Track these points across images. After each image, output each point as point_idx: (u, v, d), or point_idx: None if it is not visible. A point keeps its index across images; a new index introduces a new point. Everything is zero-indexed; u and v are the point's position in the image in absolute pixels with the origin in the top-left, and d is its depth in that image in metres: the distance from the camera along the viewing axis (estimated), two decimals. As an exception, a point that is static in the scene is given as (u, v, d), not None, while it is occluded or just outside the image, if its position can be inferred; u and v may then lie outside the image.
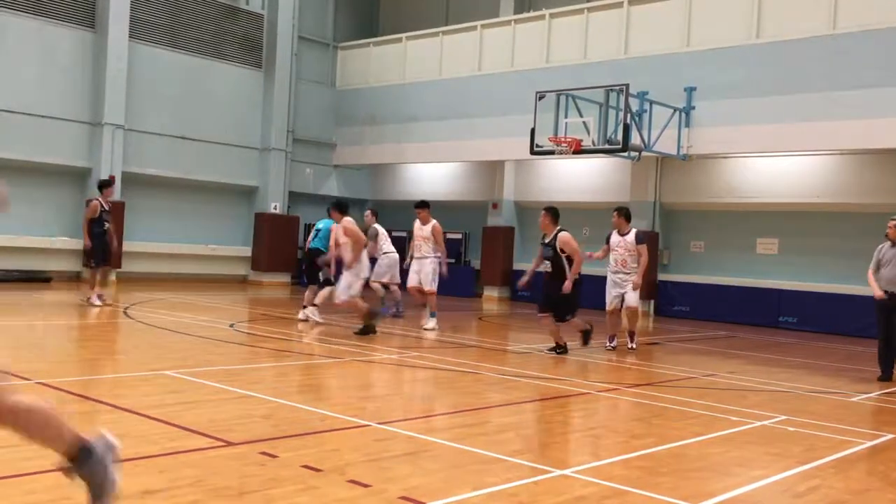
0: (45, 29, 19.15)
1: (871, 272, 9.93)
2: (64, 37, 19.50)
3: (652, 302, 19.04)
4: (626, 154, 16.44)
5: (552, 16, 19.60)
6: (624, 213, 11.95)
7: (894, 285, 9.66)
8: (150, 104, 20.76)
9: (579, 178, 20.90)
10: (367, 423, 5.95)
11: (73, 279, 19.36)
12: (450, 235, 23.51)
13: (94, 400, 6.32)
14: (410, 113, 22.01)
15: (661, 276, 19.26)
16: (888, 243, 9.82)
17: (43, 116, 19.08)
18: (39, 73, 19.07)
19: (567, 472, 4.95)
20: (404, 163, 23.81)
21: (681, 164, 18.07)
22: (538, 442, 6.07)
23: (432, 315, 12.95)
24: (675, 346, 13.52)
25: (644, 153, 16.72)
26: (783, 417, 7.10)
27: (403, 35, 22.85)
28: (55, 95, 19.33)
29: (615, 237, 11.87)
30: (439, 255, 13.25)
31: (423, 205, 13.77)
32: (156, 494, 4.03)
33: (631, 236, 11.71)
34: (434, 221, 13.49)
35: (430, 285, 12.98)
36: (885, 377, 9.78)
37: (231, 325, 12.32)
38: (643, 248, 11.73)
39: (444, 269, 13.38)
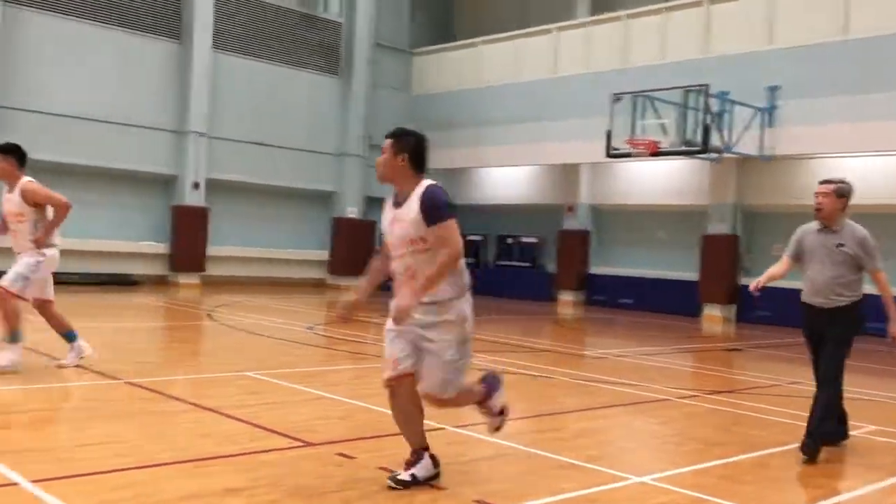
0: (132, 41, 19.89)
1: None
2: (151, 48, 20.21)
3: (733, 307, 18.57)
4: (705, 155, 16.09)
5: (629, 16, 19.36)
6: None
7: None
8: (231, 112, 21.34)
9: (656, 180, 20.55)
10: (442, 426, 5.96)
11: (159, 282, 20.01)
12: (525, 239, 23.52)
13: (178, 399, 6.51)
14: (486, 117, 22.02)
15: (743, 281, 18.77)
16: None
17: (130, 125, 19.80)
18: (127, 83, 19.80)
19: (645, 479, 4.86)
20: (479, 167, 23.84)
21: (762, 164, 17.57)
22: (615, 448, 5.99)
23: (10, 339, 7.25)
24: (757, 353, 13.16)
25: (724, 154, 16.34)
26: (872, 427, 6.83)
27: (478, 39, 22.91)
28: (142, 105, 20.05)
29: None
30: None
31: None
32: (237, 493, 4.13)
33: None
34: (27, 179, 7.58)
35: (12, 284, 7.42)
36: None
37: (309, 328, 12.53)
38: None
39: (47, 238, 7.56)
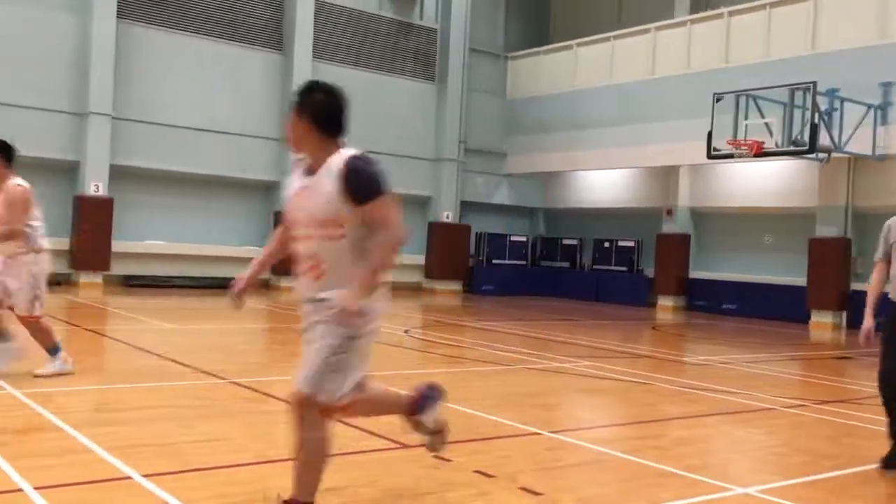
0: (238, 52, 20.63)
1: None
2: (254, 59, 20.91)
3: (843, 314, 17.77)
4: (813, 156, 15.48)
5: (731, 14, 18.83)
6: None
7: None
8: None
9: (760, 182, 19.87)
10: (538, 431, 5.93)
11: (261, 286, 20.62)
12: (622, 243, 23.14)
13: (279, 399, 6.69)
14: (582, 119, 21.82)
15: (854, 286, 17.92)
16: None
17: (234, 134, 20.51)
18: (231, 94, 20.53)
19: (750, 490, 4.71)
20: (576, 170, 23.62)
21: (876, 164, 16.76)
22: (718, 457, 5.82)
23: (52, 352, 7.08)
24: (869, 361, 12.54)
25: (834, 154, 15.68)
26: None
27: (574, 42, 22.72)
28: (246, 114, 20.75)
29: None
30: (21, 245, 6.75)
31: None
32: (337, 492, 4.22)
33: None
34: (15, 182, 6.76)
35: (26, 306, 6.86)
36: None
37: (406, 331, 12.68)
38: None
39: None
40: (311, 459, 3.66)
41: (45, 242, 7.00)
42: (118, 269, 18.89)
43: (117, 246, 18.80)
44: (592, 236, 24.10)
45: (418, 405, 4.14)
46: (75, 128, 18.46)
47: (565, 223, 25.49)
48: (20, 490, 3.88)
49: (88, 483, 4.10)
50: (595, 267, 23.86)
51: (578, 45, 22.56)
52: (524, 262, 25.04)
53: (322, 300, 3.58)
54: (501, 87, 24.86)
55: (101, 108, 18.48)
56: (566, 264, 24.60)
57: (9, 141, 6.94)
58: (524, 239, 25.36)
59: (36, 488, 3.90)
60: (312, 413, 3.59)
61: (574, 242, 24.61)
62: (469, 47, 23.96)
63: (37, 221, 6.91)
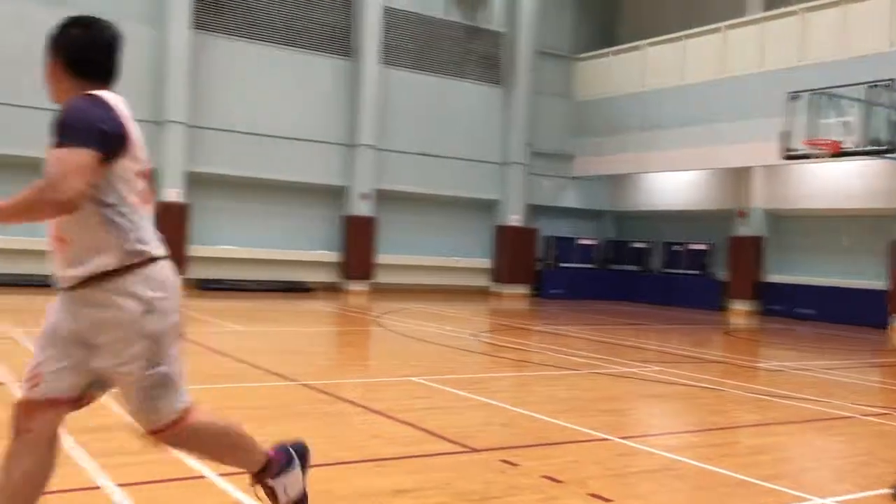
0: (306, 60, 20.99)
1: None
2: (323, 66, 21.24)
3: (927, 319, 17.09)
4: (893, 155, 14.93)
5: (806, 10, 18.32)
6: None
7: None
8: (399, 124, 22.03)
9: (838, 182, 19.26)
10: (607, 436, 5.87)
11: (331, 289, 20.91)
12: (693, 246, 22.72)
13: (348, 401, 6.78)
14: (652, 121, 21.51)
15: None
16: None
17: (305, 140, 20.87)
18: (302, 100, 20.90)
19: (828, 500, 4.57)
20: (645, 172, 23.30)
21: (962, 164, 16.09)
22: (794, 467, 5.66)
23: None
24: (958, 369, 12.02)
25: (916, 153, 15.09)
26: None
27: (643, 42, 22.43)
28: (315, 120, 21.11)
29: None
30: None
31: None
32: (406, 494, 4.25)
33: None
34: None
35: None
36: None
37: (473, 335, 12.69)
38: None
39: None
40: (212, 451, 3.25)
41: None
42: (194, 272, 19.39)
43: (193, 250, 19.33)
44: (662, 239, 23.73)
45: (275, 466, 3.38)
46: (152, 136, 19.03)
47: (634, 226, 25.16)
48: (100, 487, 4.02)
49: (166, 481, 4.22)
50: (665, 270, 23.48)
51: (648, 45, 22.26)
52: (592, 266, 24.80)
53: (72, 282, 2.85)
54: (569, 89, 24.69)
55: (177, 116, 19.04)
56: (635, 268, 24.28)
57: None
58: (592, 242, 25.12)
59: (118, 485, 4.04)
60: (164, 438, 3.08)
61: (644, 245, 24.27)
62: (535, 50, 23.87)
63: None
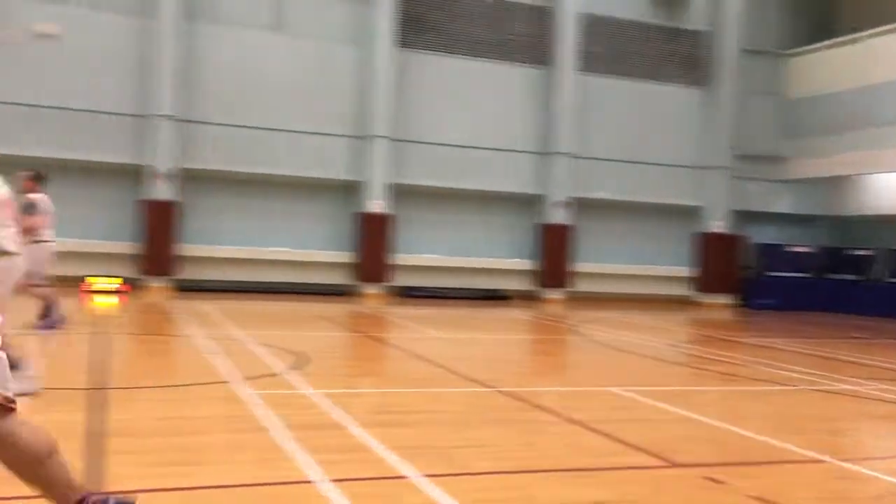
0: (501, 70, 21.30)
1: None
2: (518, 76, 21.47)
3: None
4: None
5: None
6: None
7: None
8: (596, 132, 21.81)
9: None
10: (823, 458, 5.46)
11: (528, 298, 21.00)
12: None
13: (545, 409, 6.77)
14: (876, 117, 19.85)
15: None
16: None
17: (501, 150, 21.16)
18: (498, 111, 21.23)
19: None
20: (868, 173, 21.49)
21: None
22: None
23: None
24: None
25: None
26: None
27: (865, 33, 20.75)
28: (511, 130, 21.37)
29: None
30: None
31: None
32: (604, 506, 4.18)
33: None
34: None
35: None
36: None
37: (674, 346, 12.27)
38: None
39: None
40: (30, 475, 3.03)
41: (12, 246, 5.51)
42: (398, 280, 20.21)
43: (397, 259, 20.15)
44: (889, 246, 21.77)
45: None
46: (357, 151, 20.06)
47: (853, 231, 23.28)
48: (311, 482, 4.28)
49: (373, 479, 4.42)
50: (890, 280, 21.50)
51: (870, 35, 20.56)
52: (807, 275, 23.19)
53: None
54: (778, 87, 23.31)
55: (382, 131, 19.94)
56: (855, 277, 22.43)
57: None
58: (806, 249, 23.48)
59: (331, 480, 4.28)
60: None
61: (865, 252, 22.38)
62: (741, 48, 22.77)
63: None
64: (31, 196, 9.45)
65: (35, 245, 9.20)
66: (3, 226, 4.96)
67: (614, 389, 7.84)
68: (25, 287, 8.44)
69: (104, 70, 18.22)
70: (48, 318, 9.81)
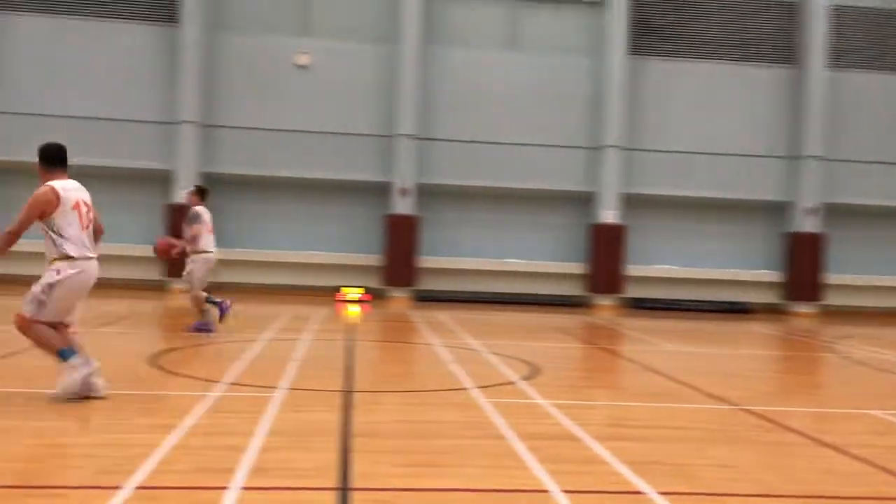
0: (743, 72, 20.38)
1: None
2: (761, 77, 20.41)
3: None
4: None
5: None
6: None
7: None
8: (852, 131, 20.22)
9: None
10: None
11: (772, 311, 19.73)
12: None
13: (795, 431, 6.32)
14: None
15: None
16: None
17: (742, 155, 20.14)
18: (740, 114, 20.32)
19: None
20: None
21: None
22: None
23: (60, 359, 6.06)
24: None
25: None
26: None
27: None
28: (752, 134, 20.37)
29: None
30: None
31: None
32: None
33: None
34: (47, 185, 5.98)
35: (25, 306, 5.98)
36: None
37: (947, 367, 10.97)
38: None
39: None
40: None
41: (75, 251, 5.93)
42: (630, 291, 19.82)
43: (630, 270, 19.78)
44: None
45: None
46: (590, 161, 19.94)
47: None
48: (548, 491, 4.30)
49: (606, 493, 4.36)
50: None
51: None
52: None
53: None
54: None
55: (614, 140, 19.70)
56: None
57: (56, 146, 6.18)
58: None
59: (562, 491, 4.28)
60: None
61: None
62: None
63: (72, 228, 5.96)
64: (197, 208, 10.52)
65: (197, 255, 10.34)
66: (67, 232, 5.93)
67: (874, 412, 7.16)
68: (186, 292, 10.90)
69: (352, 96, 19.62)
70: (200, 322, 10.55)
